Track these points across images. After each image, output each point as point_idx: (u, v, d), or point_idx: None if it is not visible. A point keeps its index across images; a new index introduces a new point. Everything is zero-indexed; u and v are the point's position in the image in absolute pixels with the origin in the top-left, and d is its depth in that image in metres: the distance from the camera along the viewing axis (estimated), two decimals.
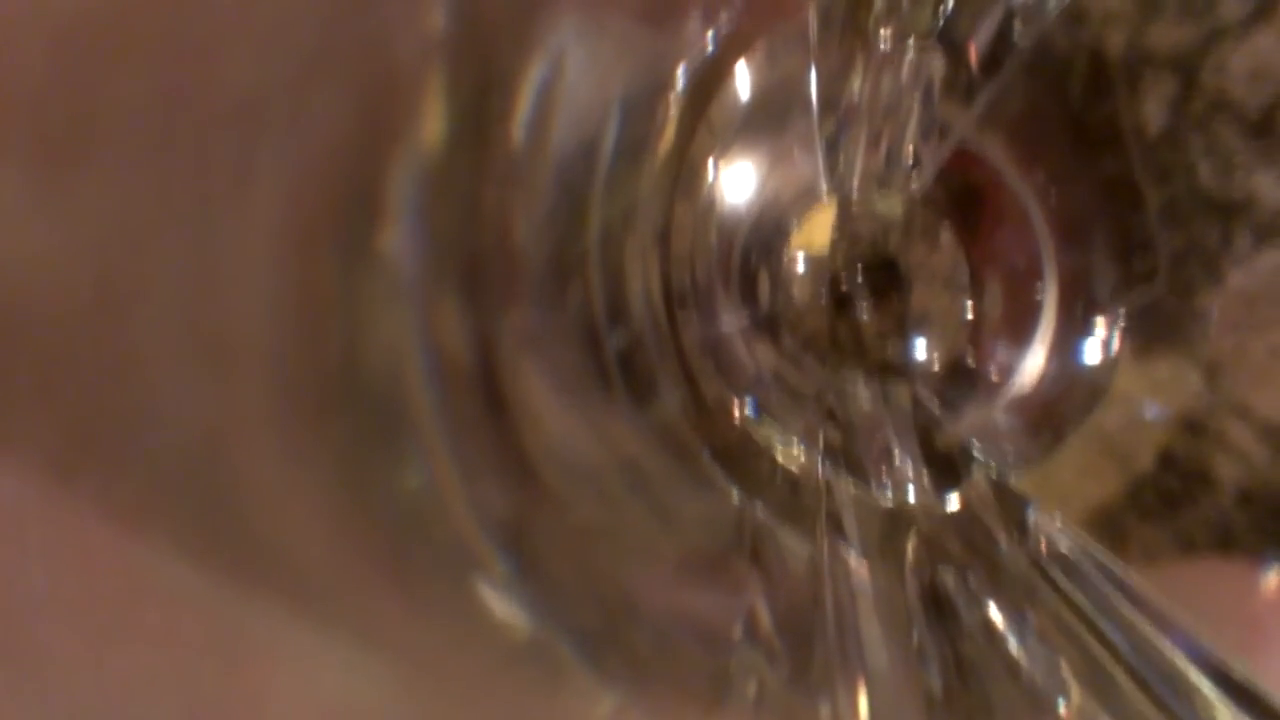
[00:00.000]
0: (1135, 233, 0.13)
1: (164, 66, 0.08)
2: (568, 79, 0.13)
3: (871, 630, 0.15)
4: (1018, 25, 0.15)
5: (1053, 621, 0.15)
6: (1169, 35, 0.13)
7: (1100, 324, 0.16)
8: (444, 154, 0.11)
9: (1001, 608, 0.16)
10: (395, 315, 0.11)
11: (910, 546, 0.17)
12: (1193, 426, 0.13)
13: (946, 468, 0.17)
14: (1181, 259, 0.13)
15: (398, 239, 0.11)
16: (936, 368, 0.17)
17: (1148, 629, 0.14)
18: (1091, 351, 0.16)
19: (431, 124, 0.11)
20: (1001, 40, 0.16)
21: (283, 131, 0.10)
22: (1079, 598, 0.15)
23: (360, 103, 0.10)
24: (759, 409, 0.18)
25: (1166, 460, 0.14)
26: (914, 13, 0.16)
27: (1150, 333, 0.13)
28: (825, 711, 0.14)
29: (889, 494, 0.17)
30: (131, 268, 0.08)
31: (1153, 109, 0.13)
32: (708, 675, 0.13)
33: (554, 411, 0.14)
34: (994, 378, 0.17)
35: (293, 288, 0.10)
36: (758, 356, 0.17)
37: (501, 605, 0.11)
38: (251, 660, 0.09)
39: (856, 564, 0.16)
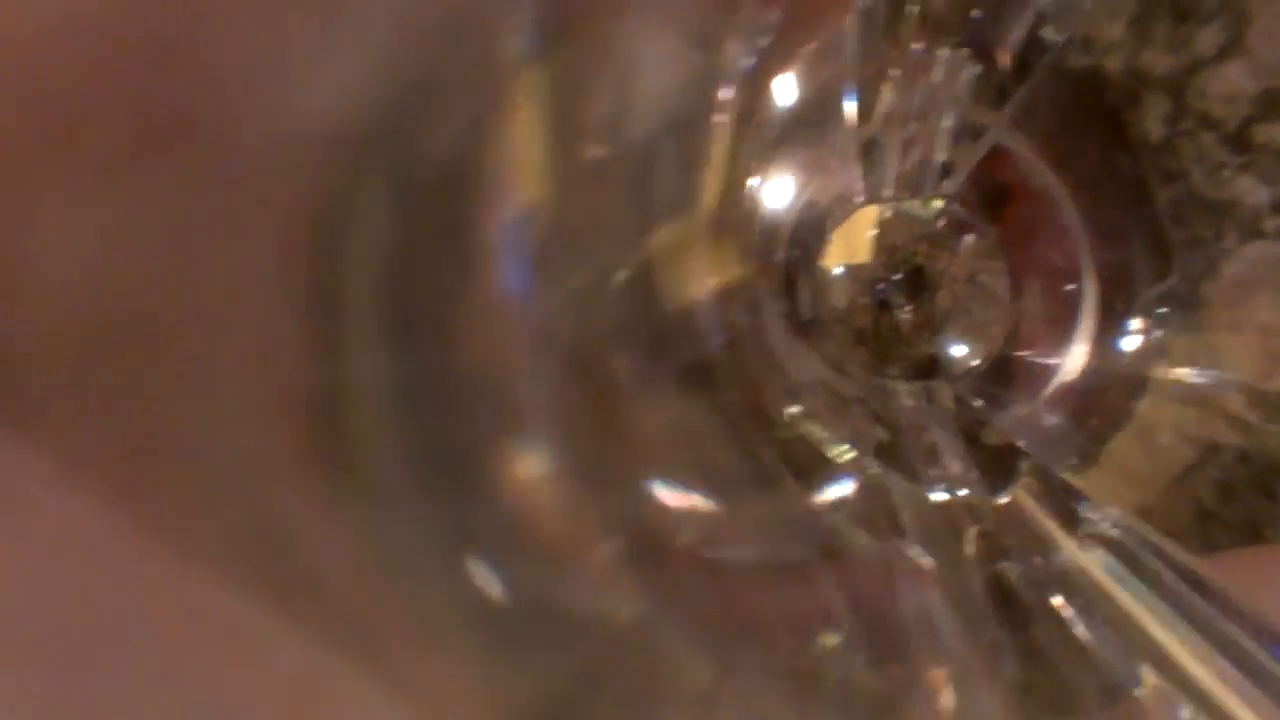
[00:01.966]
0: (1151, 229, 0.15)
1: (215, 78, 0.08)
2: (634, 95, 0.14)
3: (946, 622, 0.15)
4: (1048, 29, 0.16)
5: (1117, 609, 0.15)
6: (1160, 61, 0.14)
7: (1139, 317, 0.16)
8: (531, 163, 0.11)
9: (1065, 597, 0.16)
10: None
11: (968, 541, 0.17)
12: (1202, 401, 0.14)
13: (995, 465, 0.17)
14: (1186, 252, 0.14)
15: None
16: (977, 366, 0.17)
17: (1212, 613, 0.14)
18: (1131, 344, 0.16)
19: (529, 140, 0.11)
20: (1032, 44, 0.16)
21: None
22: (1139, 585, 0.15)
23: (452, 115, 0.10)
24: (805, 412, 0.18)
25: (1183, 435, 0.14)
26: (945, 20, 0.16)
27: (1168, 318, 0.14)
28: (909, 700, 0.14)
29: (941, 491, 0.17)
30: (187, 280, 0.08)
31: (1152, 122, 0.15)
32: (794, 660, 0.13)
33: (648, 416, 0.14)
34: (1036, 374, 0.17)
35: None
36: (802, 362, 0.18)
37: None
38: (307, 702, 0.09)
39: (921, 558, 0.16)
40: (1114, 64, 0.15)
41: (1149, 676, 0.14)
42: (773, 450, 0.17)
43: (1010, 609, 0.16)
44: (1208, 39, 0.14)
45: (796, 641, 0.14)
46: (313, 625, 0.09)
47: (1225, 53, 0.14)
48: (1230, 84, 0.14)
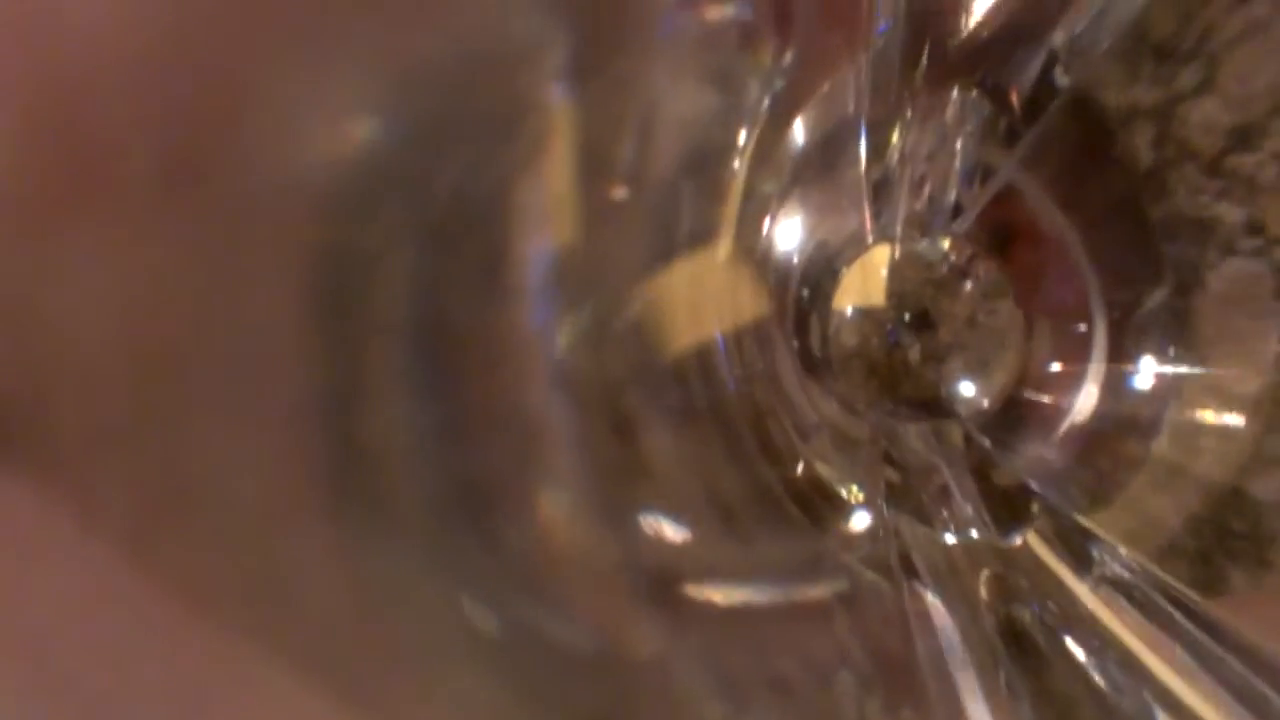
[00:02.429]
0: (1145, 247, 0.15)
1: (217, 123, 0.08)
2: (657, 135, 0.14)
3: (960, 667, 0.15)
4: (1059, 70, 0.16)
5: (1129, 652, 0.15)
6: (1147, 94, 0.15)
7: (1150, 358, 0.16)
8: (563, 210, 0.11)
9: (1078, 640, 0.16)
10: None
11: (981, 584, 0.17)
12: (1215, 439, 0.15)
13: (1007, 507, 0.17)
14: (1176, 267, 0.15)
15: None
16: (988, 407, 0.17)
17: (1224, 655, 0.14)
18: (1142, 384, 0.16)
19: (554, 177, 0.11)
20: (1043, 85, 0.16)
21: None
22: (1151, 629, 0.15)
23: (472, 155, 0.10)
24: (817, 451, 0.18)
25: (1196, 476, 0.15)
26: (957, 61, 0.16)
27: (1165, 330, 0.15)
28: None
29: (952, 534, 0.17)
30: (210, 325, 0.08)
31: (1141, 148, 0.15)
32: (809, 702, 0.13)
33: (664, 453, 0.14)
34: (1047, 415, 0.17)
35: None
36: (813, 401, 0.18)
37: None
38: None
39: (934, 601, 0.16)
40: (1110, 94, 0.16)
41: (1162, 718, 0.14)
42: (786, 490, 0.16)
43: (1024, 652, 0.16)
44: (1186, 77, 0.15)
45: (812, 682, 0.14)
46: (323, 671, 0.09)
47: (1201, 88, 0.15)
48: (1206, 116, 0.15)
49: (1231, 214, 0.15)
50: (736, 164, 0.16)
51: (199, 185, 0.08)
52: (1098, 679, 0.15)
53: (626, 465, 0.12)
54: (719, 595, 0.14)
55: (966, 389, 0.17)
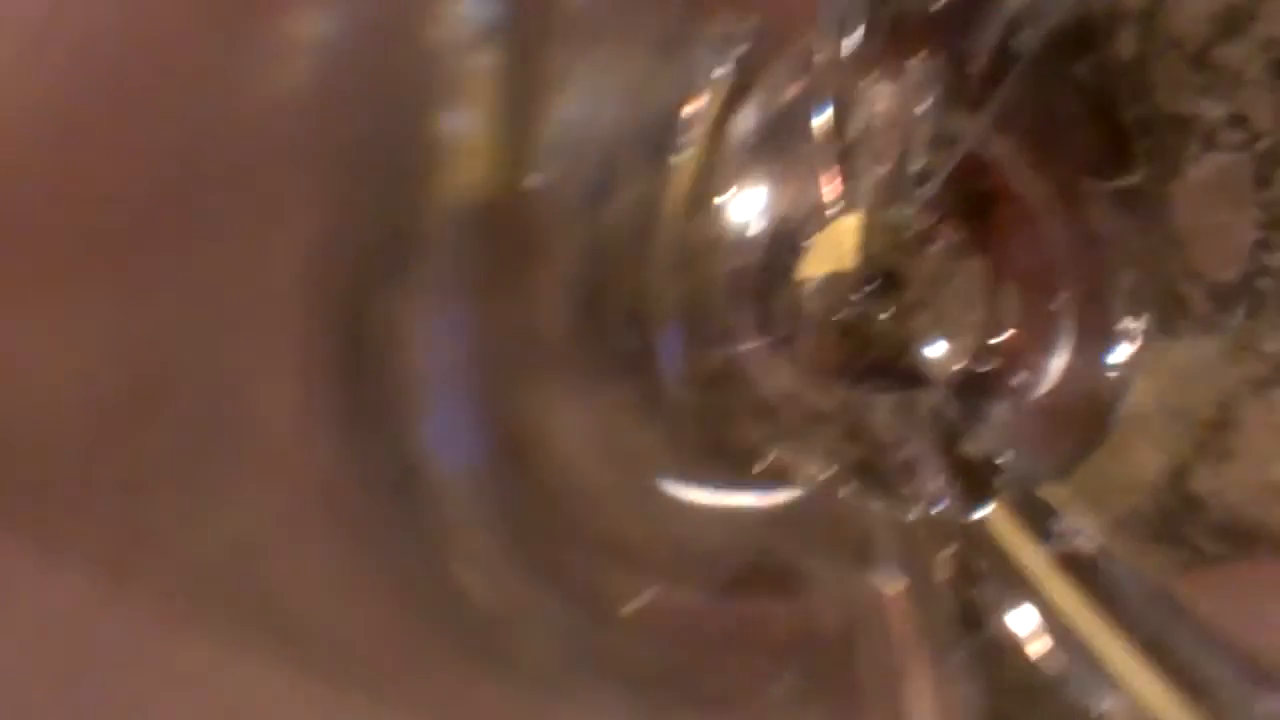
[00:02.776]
0: (1117, 138, 0.15)
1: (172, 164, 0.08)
2: (582, 117, 0.13)
3: (912, 655, 0.15)
4: (1019, 36, 0.16)
5: (1087, 634, 0.15)
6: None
7: (1121, 323, 0.16)
8: (471, 220, 0.11)
9: (1037, 624, 0.15)
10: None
11: (941, 563, 0.16)
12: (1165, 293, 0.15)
13: (973, 478, 0.16)
14: (1152, 158, 0.15)
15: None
16: (957, 375, 0.16)
17: (1181, 636, 0.14)
18: (1112, 353, 0.16)
19: (456, 177, 0.11)
20: (1004, 48, 0.16)
21: (298, 202, 0.10)
22: (1109, 610, 0.15)
23: (381, 161, 0.10)
24: (778, 431, 0.17)
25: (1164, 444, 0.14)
26: (915, 29, 0.16)
27: (1141, 213, 0.15)
28: None
29: (916, 510, 0.17)
30: (154, 371, 0.08)
31: (1124, 48, 0.15)
32: (751, 700, 0.13)
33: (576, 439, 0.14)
34: (1016, 383, 0.16)
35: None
36: (775, 377, 0.17)
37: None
38: None
39: (889, 585, 0.16)
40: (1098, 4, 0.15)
41: (1117, 703, 0.14)
42: (732, 475, 0.16)
43: (980, 637, 0.16)
44: None
45: (748, 691, 0.14)
46: (317, 681, 0.09)
47: None
48: (1195, 8, 0.15)
49: (1214, 110, 0.15)
50: (690, 134, 0.16)
51: (163, 242, 0.08)
52: (1053, 664, 0.15)
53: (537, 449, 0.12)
54: (649, 601, 0.14)
55: (936, 353, 0.17)
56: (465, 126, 0.11)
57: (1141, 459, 0.15)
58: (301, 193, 0.09)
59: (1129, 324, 0.16)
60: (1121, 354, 0.16)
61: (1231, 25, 0.15)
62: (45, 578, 0.07)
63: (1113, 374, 0.16)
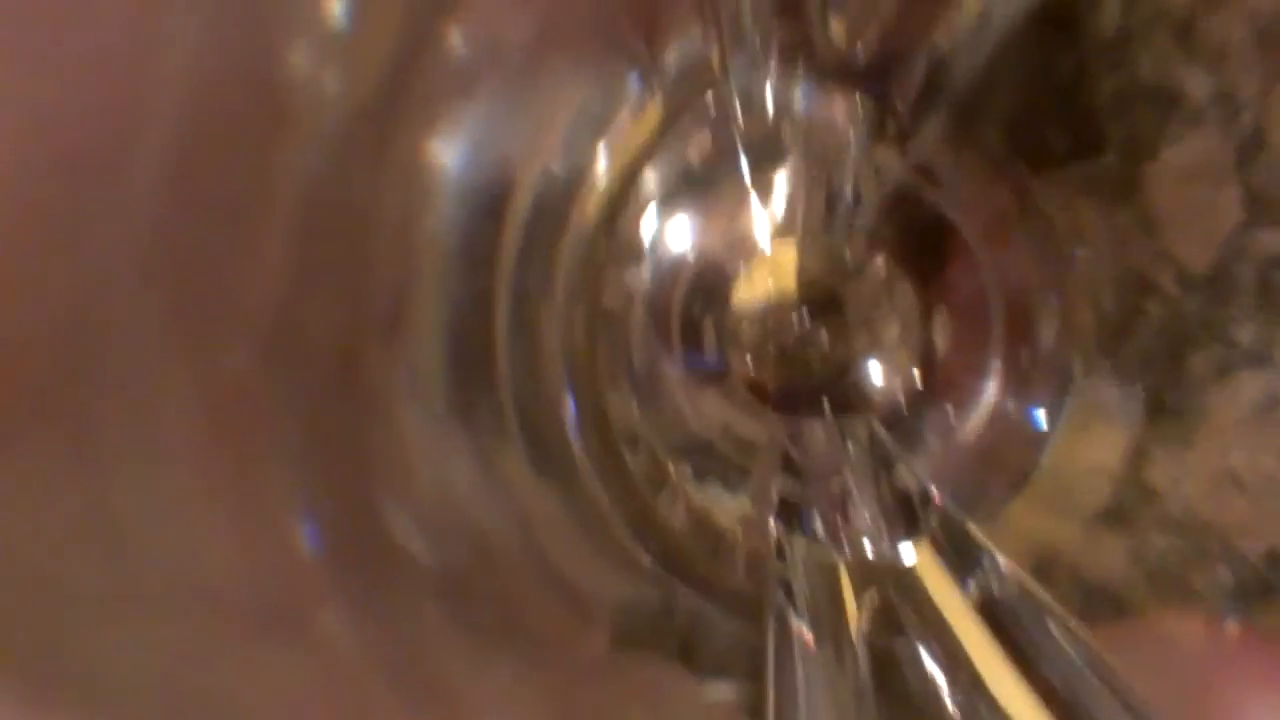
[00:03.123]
0: (1088, 116, 0.15)
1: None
2: (475, 149, 0.14)
3: (818, 717, 0.14)
4: (945, 72, 0.16)
5: (1001, 687, 0.13)
6: None
7: (1050, 352, 0.15)
8: (337, 235, 0.11)
9: (952, 678, 0.14)
10: None
11: (864, 610, 0.15)
12: (1133, 273, 0.14)
13: (904, 512, 0.15)
14: (1128, 138, 0.14)
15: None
16: (891, 403, 0.16)
17: (1094, 686, 0.12)
18: (1044, 381, 0.15)
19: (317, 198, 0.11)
20: (930, 87, 0.16)
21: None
22: (1024, 655, 0.13)
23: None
24: (702, 471, 0.17)
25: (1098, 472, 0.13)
26: (839, 67, 0.16)
27: (1107, 196, 0.15)
28: None
29: (845, 549, 0.16)
30: (39, 532, 0.08)
31: (1108, 20, 0.15)
32: None
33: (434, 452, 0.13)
34: (949, 411, 0.15)
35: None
36: (704, 410, 0.17)
37: None
38: None
39: (805, 634, 0.15)
40: None
41: None
42: (637, 533, 0.16)
43: (892, 692, 0.14)
44: None
45: None
46: None
47: None
48: None
49: (1199, 86, 0.14)
50: (610, 165, 0.17)
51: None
52: (962, 715, 0.13)
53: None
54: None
55: (871, 379, 0.16)
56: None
57: (1101, 444, 0.14)
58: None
59: (1064, 357, 0.15)
60: (1054, 388, 0.15)
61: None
62: None
63: (1044, 409, 0.15)
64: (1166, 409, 0.13)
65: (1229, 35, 0.14)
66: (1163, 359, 0.14)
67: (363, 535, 0.11)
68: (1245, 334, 0.13)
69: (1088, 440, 0.14)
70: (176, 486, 0.08)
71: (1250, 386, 0.13)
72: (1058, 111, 0.15)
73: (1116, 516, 0.13)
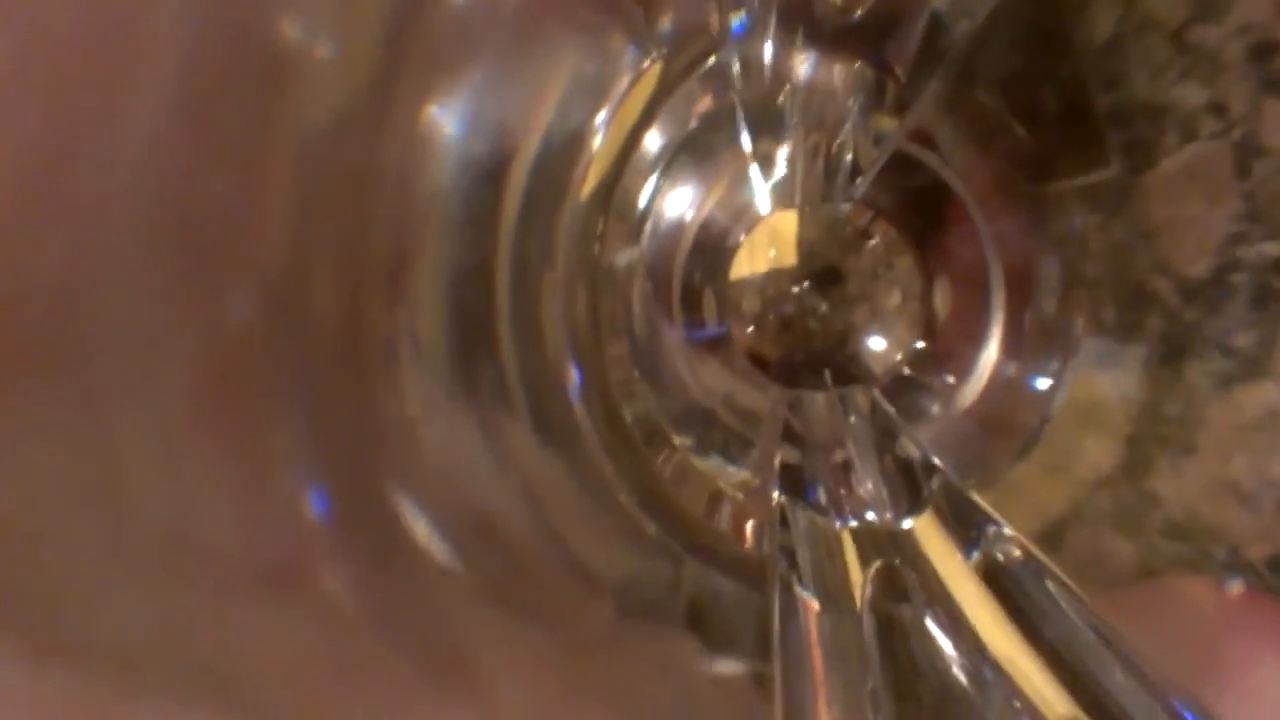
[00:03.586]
0: (1090, 130, 0.15)
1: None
2: (473, 119, 0.14)
3: (822, 679, 0.14)
4: (943, 36, 0.16)
5: (1006, 652, 0.13)
6: None
7: (1051, 316, 0.15)
8: (337, 196, 0.11)
9: (956, 641, 0.14)
10: None
11: (868, 580, 0.15)
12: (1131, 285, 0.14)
13: (907, 481, 0.15)
14: (1127, 149, 0.15)
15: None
16: (893, 370, 0.16)
17: (1102, 655, 0.12)
18: (1046, 345, 0.15)
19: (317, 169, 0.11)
20: (928, 50, 0.16)
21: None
22: (1030, 622, 0.13)
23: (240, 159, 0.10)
24: (704, 440, 0.17)
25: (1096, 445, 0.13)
26: (836, 33, 0.16)
27: (1108, 207, 0.15)
28: None
29: (848, 517, 0.16)
30: (38, 486, 0.08)
31: (1101, 29, 0.15)
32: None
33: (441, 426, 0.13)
34: (950, 380, 0.15)
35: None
36: (705, 381, 0.17)
37: None
38: None
39: (809, 602, 0.15)
40: None
41: None
42: (641, 501, 0.16)
43: (897, 657, 0.14)
44: None
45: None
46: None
47: None
48: None
49: (1193, 97, 0.14)
50: (609, 135, 0.16)
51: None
52: (968, 687, 0.13)
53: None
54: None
55: (872, 348, 0.16)
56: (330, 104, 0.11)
57: (1101, 449, 0.14)
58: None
59: (1064, 325, 0.15)
60: (1055, 356, 0.15)
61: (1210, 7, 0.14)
62: None
63: (1045, 377, 0.15)
64: (1167, 416, 0.13)
65: (1221, 47, 0.14)
66: (1163, 368, 0.14)
67: (369, 502, 0.11)
68: (1244, 341, 0.13)
69: (1090, 404, 0.14)
70: (177, 442, 0.08)
71: (1250, 394, 0.13)
72: (1057, 121, 0.15)
73: (1123, 521, 0.13)
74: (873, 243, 0.16)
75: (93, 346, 0.08)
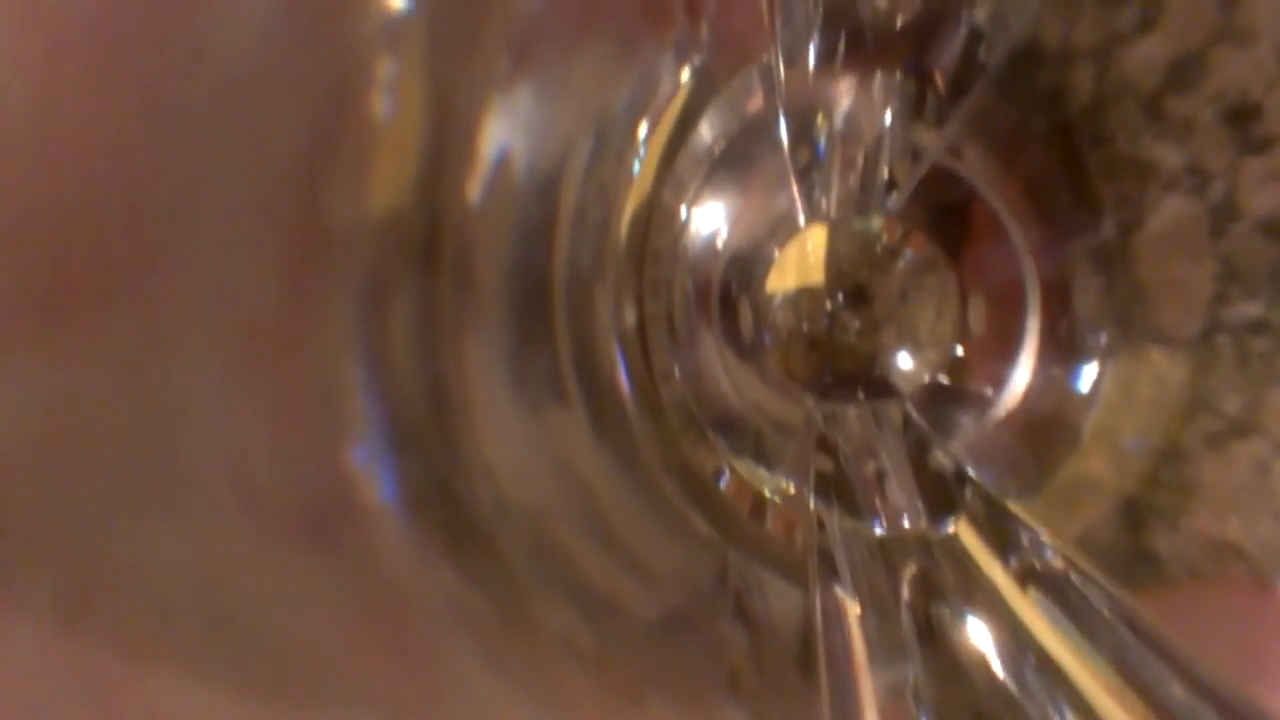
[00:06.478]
0: (1083, 188, 0.15)
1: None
2: (528, 129, 0.14)
3: (866, 677, 0.14)
4: (983, 48, 0.16)
5: (1048, 652, 0.13)
6: (1088, 36, 0.15)
7: (1085, 334, 0.15)
8: (400, 210, 0.11)
9: (997, 642, 0.13)
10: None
11: (906, 580, 0.15)
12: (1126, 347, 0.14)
13: (940, 492, 0.15)
14: (1116, 206, 0.15)
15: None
16: (927, 382, 0.16)
17: (1142, 655, 0.12)
18: (1078, 362, 0.15)
19: (386, 177, 0.11)
20: (968, 62, 0.16)
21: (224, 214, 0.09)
22: (1070, 629, 0.13)
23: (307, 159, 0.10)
24: (742, 445, 0.17)
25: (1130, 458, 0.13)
26: (877, 44, 0.16)
27: (1103, 268, 0.15)
28: None
29: (883, 524, 0.15)
30: (96, 415, 0.08)
31: (1082, 92, 0.15)
32: None
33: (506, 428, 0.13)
34: (984, 393, 0.15)
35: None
36: (742, 389, 0.17)
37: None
38: None
39: (849, 605, 0.15)
40: (1049, 35, 0.15)
41: None
42: (690, 498, 0.16)
43: (938, 657, 0.14)
44: (1128, 14, 0.14)
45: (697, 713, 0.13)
46: (288, 704, 0.09)
47: (1141, 28, 0.14)
48: (1146, 56, 0.14)
49: (1170, 157, 0.14)
50: (641, 152, 0.17)
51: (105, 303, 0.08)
52: (1010, 685, 0.13)
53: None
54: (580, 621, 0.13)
55: (905, 364, 0.16)
56: (388, 125, 0.11)
57: (1143, 412, 0.14)
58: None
59: (1095, 339, 0.15)
60: (1087, 368, 0.15)
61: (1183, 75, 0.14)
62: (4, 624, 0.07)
63: (1078, 389, 0.14)
64: (1161, 481, 0.13)
65: (1195, 113, 0.14)
66: (1155, 431, 0.14)
67: (437, 481, 0.11)
68: (1231, 405, 0.13)
69: (1129, 409, 0.14)
70: (237, 380, 0.08)
71: (1241, 455, 0.13)
72: (1071, 243, 0.15)
73: (1162, 523, 0.13)
74: (905, 260, 0.16)
75: (166, 270, 0.08)
